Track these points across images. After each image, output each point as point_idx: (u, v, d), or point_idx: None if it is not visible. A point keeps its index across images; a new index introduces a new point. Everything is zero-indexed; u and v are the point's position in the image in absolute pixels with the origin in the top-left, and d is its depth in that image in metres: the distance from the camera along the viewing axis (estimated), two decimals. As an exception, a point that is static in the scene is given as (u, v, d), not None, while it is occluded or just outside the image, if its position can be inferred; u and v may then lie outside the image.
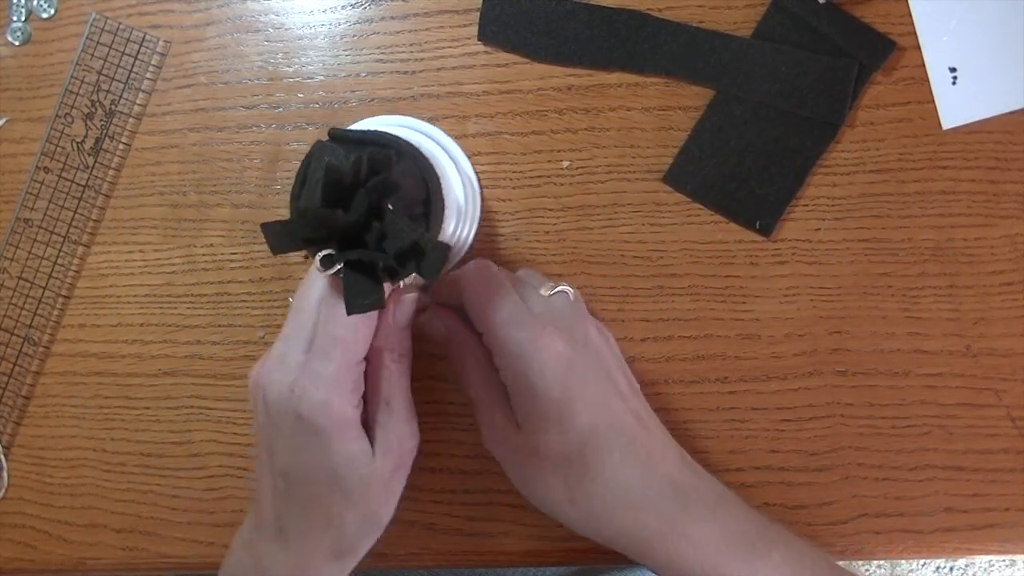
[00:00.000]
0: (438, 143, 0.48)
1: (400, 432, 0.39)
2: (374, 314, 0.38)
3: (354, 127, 0.47)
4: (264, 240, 0.32)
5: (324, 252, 0.33)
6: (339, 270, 0.33)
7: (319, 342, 0.37)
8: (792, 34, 0.47)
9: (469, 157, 0.49)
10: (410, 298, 0.41)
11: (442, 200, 0.36)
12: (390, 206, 0.32)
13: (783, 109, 0.47)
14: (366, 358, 0.39)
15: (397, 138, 0.36)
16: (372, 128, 0.38)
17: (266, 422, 0.38)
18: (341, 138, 0.34)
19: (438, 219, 0.35)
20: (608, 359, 0.41)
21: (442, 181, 0.37)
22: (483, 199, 0.49)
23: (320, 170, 0.31)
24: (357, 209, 0.31)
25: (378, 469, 0.38)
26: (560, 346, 0.38)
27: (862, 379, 0.46)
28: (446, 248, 0.32)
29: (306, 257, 0.37)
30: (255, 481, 0.41)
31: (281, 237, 0.32)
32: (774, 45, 0.47)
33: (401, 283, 0.38)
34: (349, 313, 0.33)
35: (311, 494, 0.38)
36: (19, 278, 0.52)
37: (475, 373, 0.41)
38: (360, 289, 0.32)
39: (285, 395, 0.37)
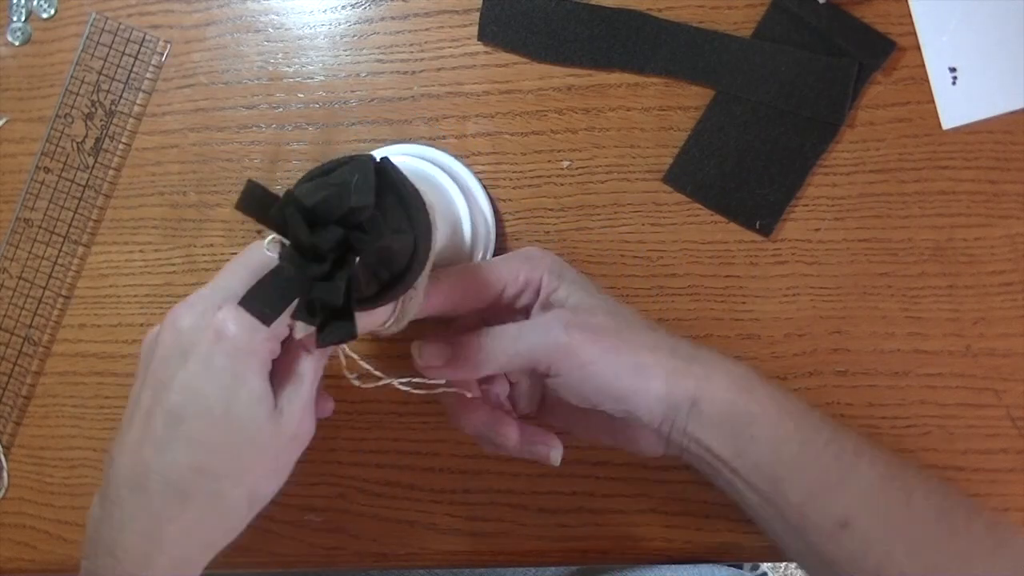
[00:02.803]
0: (454, 178, 0.47)
1: (304, 405, 0.37)
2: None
3: (386, 154, 0.46)
4: (246, 190, 0.31)
5: (273, 238, 0.33)
6: (280, 256, 0.32)
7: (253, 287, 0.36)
8: (792, 34, 0.47)
9: (487, 190, 0.48)
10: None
11: (426, 261, 0.34)
12: (358, 259, 0.31)
13: (783, 109, 0.47)
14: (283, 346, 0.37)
15: (420, 203, 0.34)
16: (404, 163, 0.37)
17: (169, 354, 0.35)
18: (390, 172, 0.33)
19: (413, 278, 0.34)
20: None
21: (449, 218, 0.36)
22: (499, 232, 0.48)
23: (345, 198, 0.30)
24: (325, 241, 0.30)
25: (273, 429, 0.35)
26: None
27: (862, 379, 0.46)
28: (350, 332, 0.31)
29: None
30: (110, 446, 0.38)
31: (255, 201, 0.31)
32: (774, 45, 0.47)
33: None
34: (318, 340, 0.31)
35: (199, 433, 0.34)
36: (19, 278, 0.52)
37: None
38: (328, 309, 0.31)
39: (204, 319, 0.35)
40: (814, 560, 0.38)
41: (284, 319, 0.34)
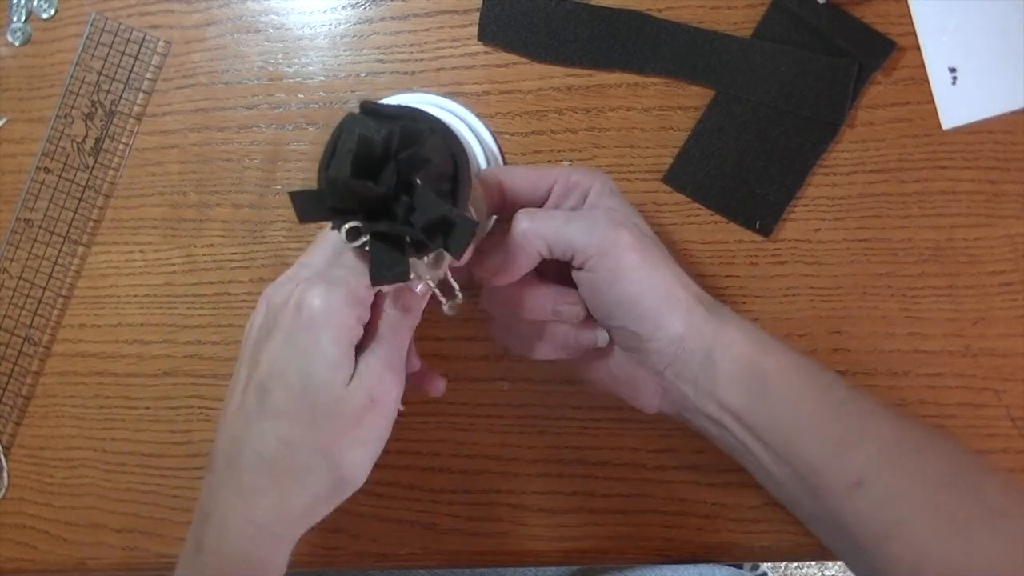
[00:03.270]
0: (462, 120, 0.48)
1: (383, 366, 0.36)
2: None
3: (384, 102, 0.47)
4: (294, 202, 0.32)
5: (351, 224, 0.32)
6: (365, 243, 0.32)
7: (332, 268, 0.37)
8: (792, 34, 0.47)
9: (493, 135, 0.49)
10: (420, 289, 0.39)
11: (470, 177, 0.35)
12: (419, 180, 0.32)
13: (783, 109, 0.47)
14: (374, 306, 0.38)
15: (428, 114, 0.35)
16: (401, 103, 0.37)
17: (260, 332, 0.37)
18: (373, 111, 0.33)
19: (465, 195, 0.35)
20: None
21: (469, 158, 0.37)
22: None
23: (351, 141, 0.31)
24: (386, 182, 0.31)
25: (349, 395, 0.35)
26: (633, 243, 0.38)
27: (862, 379, 0.46)
28: (473, 224, 0.32)
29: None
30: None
31: (309, 205, 0.32)
32: (774, 45, 0.47)
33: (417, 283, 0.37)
34: (374, 284, 0.32)
35: (282, 405, 0.35)
36: (19, 278, 0.52)
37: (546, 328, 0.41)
38: (386, 260, 0.32)
39: (290, 292, 0.36)
40: (828, 522, 0.38)
41: (363, 281, 0.35)
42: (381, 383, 0.36)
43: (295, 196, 0.32)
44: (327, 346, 0.35)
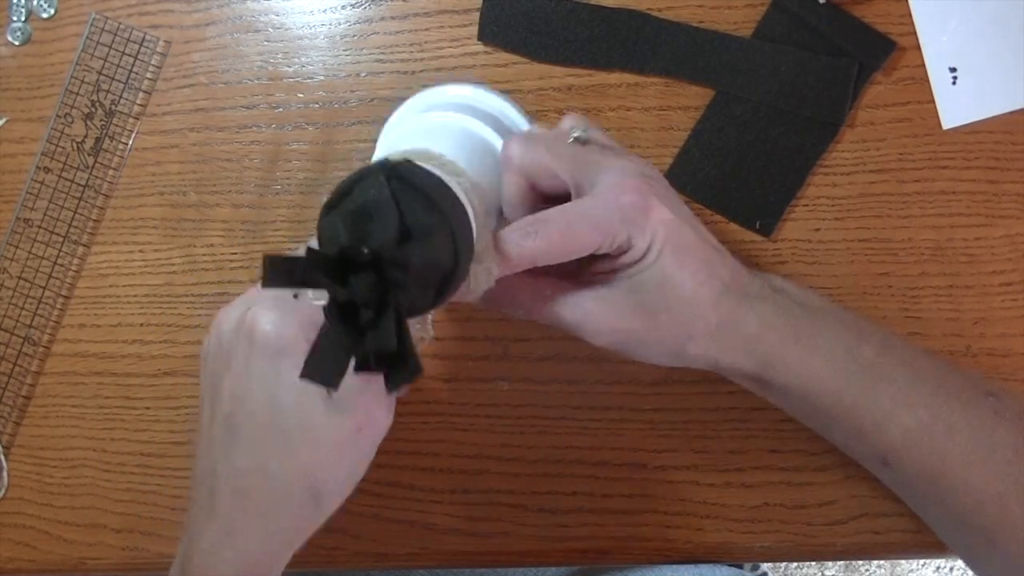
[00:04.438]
0: (505, 124, 0.43)
1: (371, 393, 0.34)
2: None
3: (439, 91, 0.43)
4: (265, 266, 0.28)
5: (319, 302, 0.31)
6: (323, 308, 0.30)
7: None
8: (792, 34, 0.47)
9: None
10: None
11: (464, 275, 0.32)
12: (398, 300, 0.29)
13: (783, 109, 0.47)
14: None
15: (454, 194, 0.32)
16: (437, 161, 0.33)
17: (215, 363, 0.35)
18: (405, 177, 0.30)
19: (450, 292, 0.31)
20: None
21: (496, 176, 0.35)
22: None
23: (337, 234, 0.29)
24: (358, 291, 0.28)
25: (331, 424, 0.33)
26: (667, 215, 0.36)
27: (862, 379, 0.46)
28: (416, 371, 0.29)
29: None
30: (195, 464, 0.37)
31: (278, 275, 0.28)
32: (774, 45, 0.47)
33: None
34: (302, 376, 0.28)
35: (251, 436, 0.34)
36: (19, 278, 0.52)
37: (557, 290, 0.37)
38: (329, 357, 0.29)
39: (240, 321, 0.34)
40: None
41: (314, 297, 0.33)
42: (368, 414, 0.34)
43: (267, 259, 0.28)
44: (291, 373, 0.33)
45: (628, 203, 0.35)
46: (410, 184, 0.30)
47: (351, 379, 0.32)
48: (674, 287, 0.36)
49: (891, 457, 0.37)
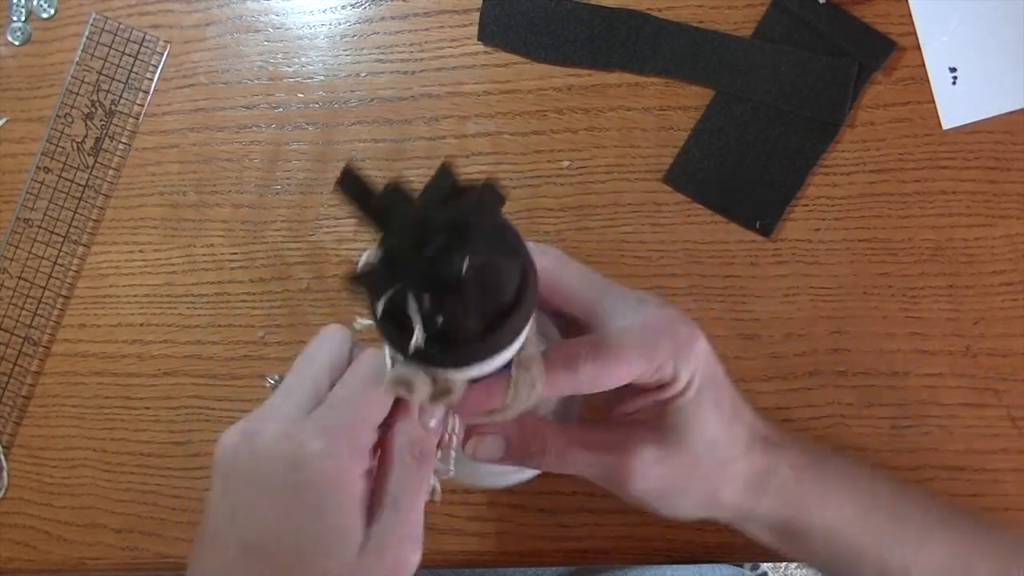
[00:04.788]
0: None
1: (402, 537, 0.31)
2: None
3: None
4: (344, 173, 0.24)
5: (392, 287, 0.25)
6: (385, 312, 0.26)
7: (331, 397, 0.32)
8: (792, 34, 0.47)
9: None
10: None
11: (534, 301, 0.28)
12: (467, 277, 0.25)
13: (783, 109, 0.47)
14: (379, 447, 0.32)
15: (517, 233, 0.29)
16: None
17: (241, 480, 0.31)
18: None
19: (524, 317, 0.28)
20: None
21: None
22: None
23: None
24: (442, 218, 0.24)
25: (364, 565, 0.31)
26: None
27: (862, 379, 0.46)
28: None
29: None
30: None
31: (354, 185, 0.24)
32: (774, 45, 0.47)
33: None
34: (406, 355, 0.25)
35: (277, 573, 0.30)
36: (19, 278, 0.52)
37: (581, 443, 0.35)
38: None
39: (280, 443, 0.30)
40: None
41: (364, 423, 0.31)
42: (399, 558, 0.31)
43: (349, 168, 0.25)
44: (335, 515, 0.30)
45: (679, 332, 0.33)
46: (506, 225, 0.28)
47: (387, 520, 0.31)
48: (710, 427, 0.34)
49: None
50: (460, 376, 0.28)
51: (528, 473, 0.36)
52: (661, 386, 0.33)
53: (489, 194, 0.25)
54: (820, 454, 0.38)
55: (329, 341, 0.33)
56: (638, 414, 0.35)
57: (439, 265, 0.24)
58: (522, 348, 0.30)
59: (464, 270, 0.24)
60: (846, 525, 0.36)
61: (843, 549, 0.37)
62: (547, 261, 0.34)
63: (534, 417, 0.35)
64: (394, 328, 0.26)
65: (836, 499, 0.36)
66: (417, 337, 0.25)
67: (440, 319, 0.25)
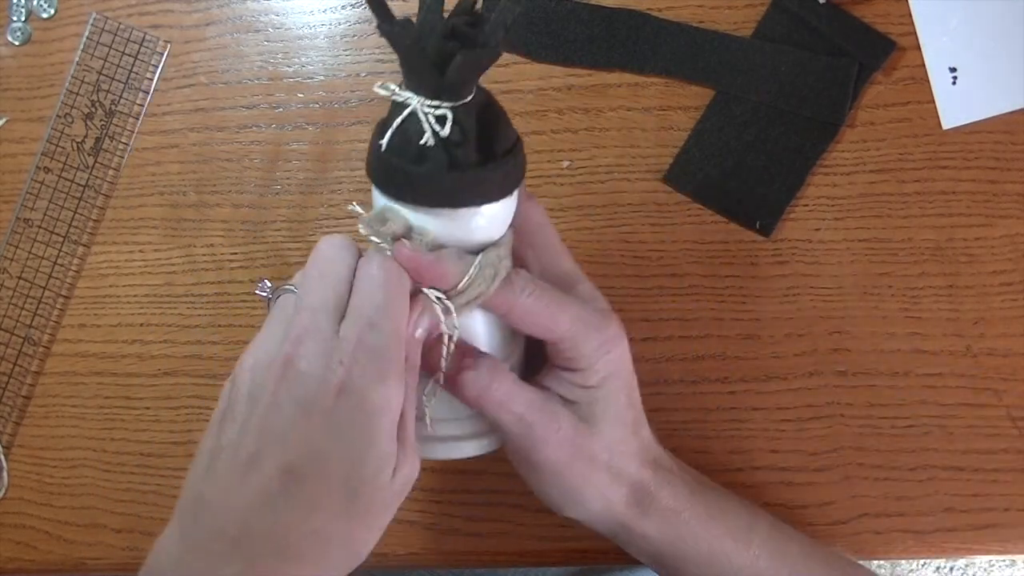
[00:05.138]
0: None
1: (412, 450, 0.32)
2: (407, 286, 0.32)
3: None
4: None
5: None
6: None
7: (361, 310, 0.31)
8: (792, 34, 0.47)
9: None
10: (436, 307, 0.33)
11: (523, 165, 0.33)
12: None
13: (783, 109, 0.47)
14: None
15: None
16: None
17: (278, 401, 0.30)
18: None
19: (517, 159, 0.33)
20: None
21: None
22: None
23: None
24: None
25: (393, 488, 0.32)
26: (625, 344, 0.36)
27: (862, 379, 0.46)
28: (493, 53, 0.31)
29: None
30: (193, 481, 0.33)
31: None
32: (774, 45, 0.47)
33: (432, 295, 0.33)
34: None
35: (315, 497, 0.30)
36: (19, 278, 0.52)
37: (517, 390, 0.35)
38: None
39: (326, 366, 0.30)
40: None
41: (404, 347, 0.31)
42: (412, 471, 0.33)
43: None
44: (383, 442, 0.31)
45: (609, 329, 0.35)
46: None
47: (403, 439, 0.32)
48: (613, 427, 0.36)
49: None
50: (433, 224, 0.31)
51: (483, 444, 0.37)
52: (574, 369, 0.35)
53: (505, 6, 0.30)
54: (706, 486, 0.39)
55: (341, 251, 0.32)
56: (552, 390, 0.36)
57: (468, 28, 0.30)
58: (495, 246, 0.33)
59: (497, 40, 0.30)
60: (726, 560, 0.37)
61: None
62: (536, 212, 0.36)
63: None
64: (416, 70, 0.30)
65: (716, 531, 0.37)
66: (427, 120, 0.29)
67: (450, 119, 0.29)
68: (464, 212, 0.31)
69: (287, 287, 0.34)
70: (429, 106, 0.30)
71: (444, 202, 0.31)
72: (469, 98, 0.30)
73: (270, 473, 0.30)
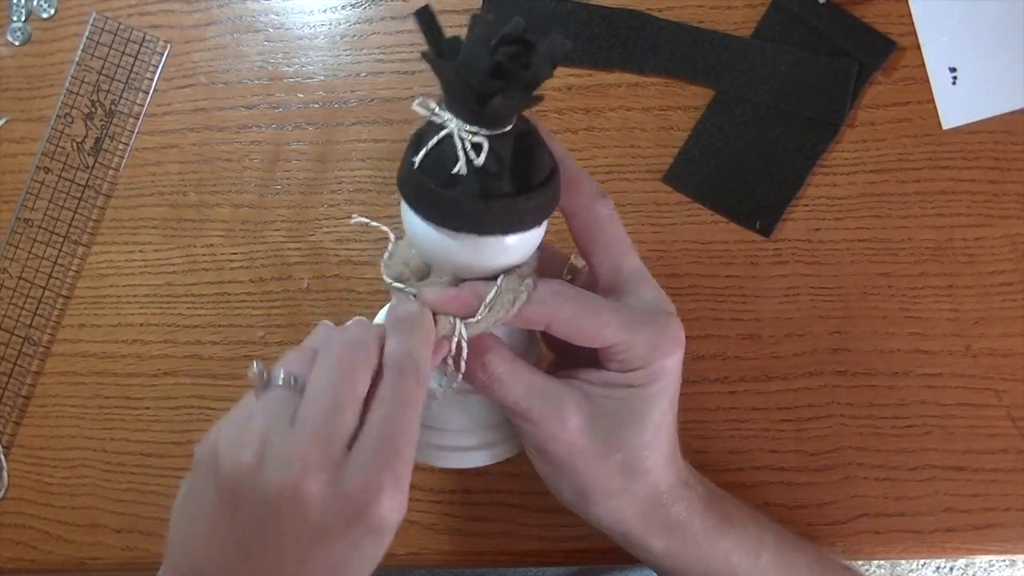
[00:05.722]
0: None
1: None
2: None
3: None
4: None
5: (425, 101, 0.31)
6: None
7: (373, 435, 0.30)
8: (792, 34, 0.47)
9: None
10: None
11: (558, 192, 0.32)
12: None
13: (783, 109, 0.47)
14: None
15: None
16: None
17: (290, 526, 0.30)
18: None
19: (553, 192, 0.32)
20: None
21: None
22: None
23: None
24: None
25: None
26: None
27: (862, 379, 0.46)
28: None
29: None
30: None
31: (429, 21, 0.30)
32: (774, 45, 0.47)
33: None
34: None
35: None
36: (19, 278, 0.52)
37: (520, 368, 0.35)
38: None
39: (335, 499, 0.30)
40: None
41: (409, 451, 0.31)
42: (403, 513, 0.32)
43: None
44: (383, 548, 0.31)
45: (670, 328, 0.34)
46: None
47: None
48: (651, 430, 0.35)
49: None
50: (457, 247, 0.31)
51: (495, 453, 0.37)
52: (626, 370, 0.34)
53: (555, 41, 0.29)
54: (714, 500, 0.38)
55: (357, 351, 0.31)
56: (591, 386, 0.35)
57: (514, 66, 0.29)
58: (518, 268, 0.32)
59: (542, 79, 0.29)
60: (730, 574, 0.37)
61: None
62: (605, 208, 0.36)
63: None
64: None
65: (724, 546, 0.37)
66: (462, 145, 0.29)
67: (485, 146, 0.29)
68: (491, 239, 0.31)
69: (283, 374, 0.34)
70: (467, 131, 0.29)
71: (471, 229, 0.30)
72: (509, 127, 0.30)
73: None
